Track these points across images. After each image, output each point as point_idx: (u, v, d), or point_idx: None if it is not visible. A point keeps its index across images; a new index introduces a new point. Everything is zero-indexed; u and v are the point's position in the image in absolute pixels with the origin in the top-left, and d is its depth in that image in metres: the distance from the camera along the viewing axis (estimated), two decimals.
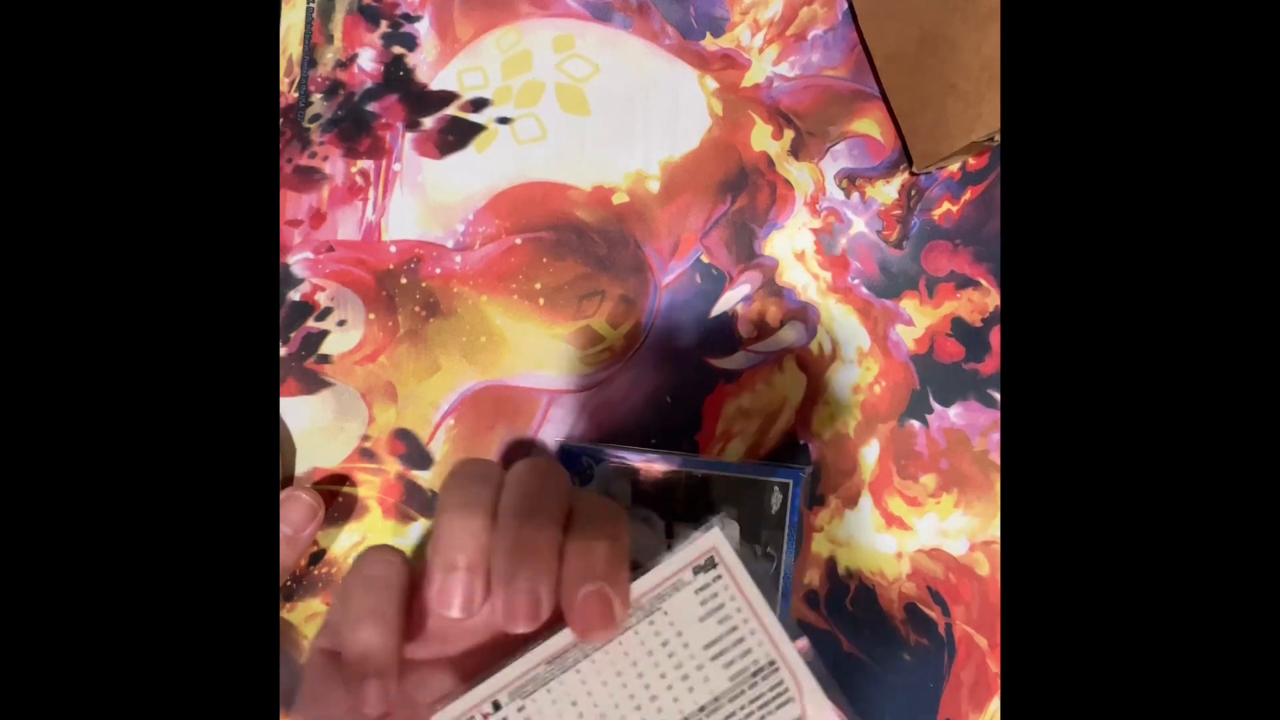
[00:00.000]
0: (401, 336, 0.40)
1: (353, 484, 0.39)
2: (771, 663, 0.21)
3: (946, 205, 0.41)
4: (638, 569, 0.21)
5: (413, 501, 0.39)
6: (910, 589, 0.40)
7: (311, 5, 0.41)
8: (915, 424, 0.40)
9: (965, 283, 0.40)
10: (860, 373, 0.40)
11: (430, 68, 0.40)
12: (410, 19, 0.41)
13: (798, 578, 0.39)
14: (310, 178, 0.40)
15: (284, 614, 0.39)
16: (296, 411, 0.39)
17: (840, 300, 0.40)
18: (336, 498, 0.39)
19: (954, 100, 0.37)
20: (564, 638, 0.20)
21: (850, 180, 0.41)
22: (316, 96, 0.40)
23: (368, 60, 0.40)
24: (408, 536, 0.39)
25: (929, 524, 0.40)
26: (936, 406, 0.40)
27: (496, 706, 0.20)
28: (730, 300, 0.40)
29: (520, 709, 0.20)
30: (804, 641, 0.22)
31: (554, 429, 0.39)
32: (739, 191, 0.41)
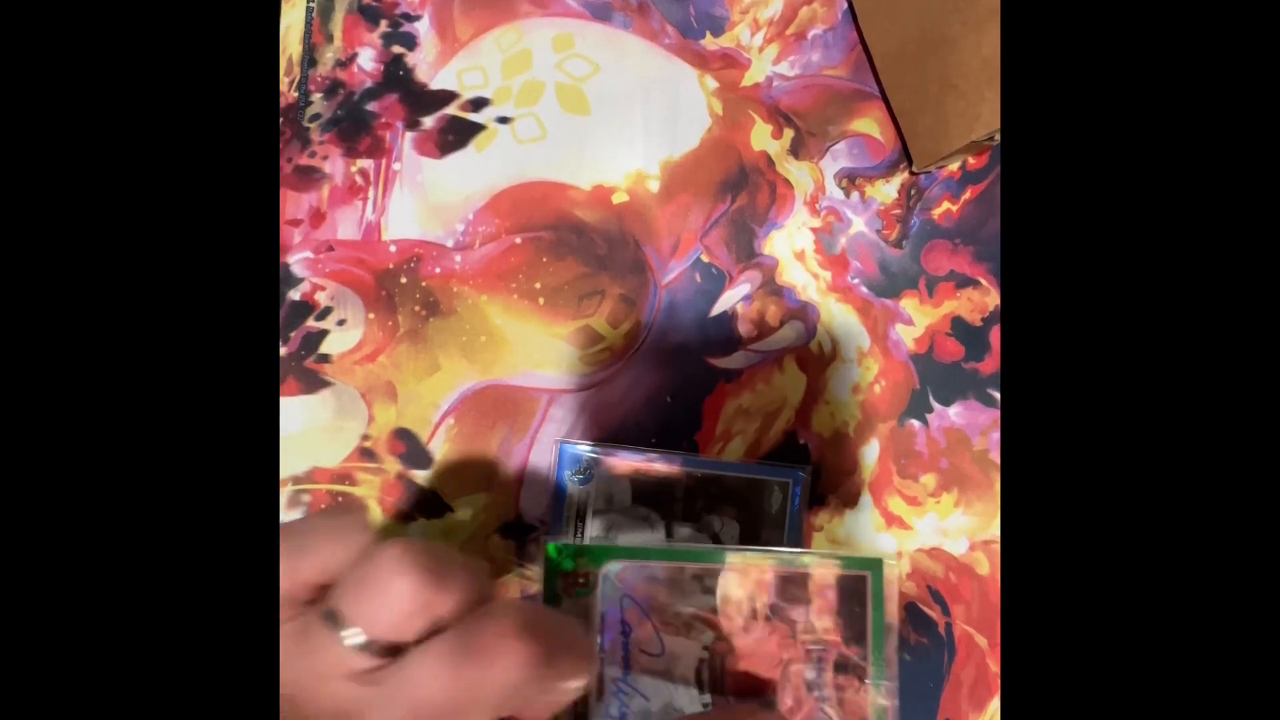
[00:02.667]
0: (401, 336, 0.40)
1: (353, 483, 0.39)
2: None
3: (946, 204, 0.41)
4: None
5: (413, 501, 0.39)
6: (910, 588, 0.40)
7: (311, 5, 0.41)
8: (915, 423, 0.40)
9: (965, 282, 0.40)
10: (860, 372, 0.40)
11: (430, 67, 0.40)
12: (410, 18, 0.41)
13: None
14: (310, 177, 0.40)
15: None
16: (296, 411, 0.39)
17: (840, 300, 0.40)
18: (337, 498, 0.39)
19: (954, 100, 0.37)
20: None
21: (850, 180, 0.41)
22: (316, 96, 0.40)
23: (367, 60, 0.40)
24: (407, 536, 0.39)
25: (929, 523, 0.40)
26: (936, 406, 0.40)
27: None
28: (730, 300, 0.40)
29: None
30: None
31: (554, 429, 0.39)
32: (739, 191, 0.40)
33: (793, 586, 0.30)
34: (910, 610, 0.40)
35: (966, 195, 0.41)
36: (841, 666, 0.29)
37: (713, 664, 0.29)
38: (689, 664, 0.29)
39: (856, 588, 0.30)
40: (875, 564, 0.30)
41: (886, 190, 0.41)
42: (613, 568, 0.29)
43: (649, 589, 0.29)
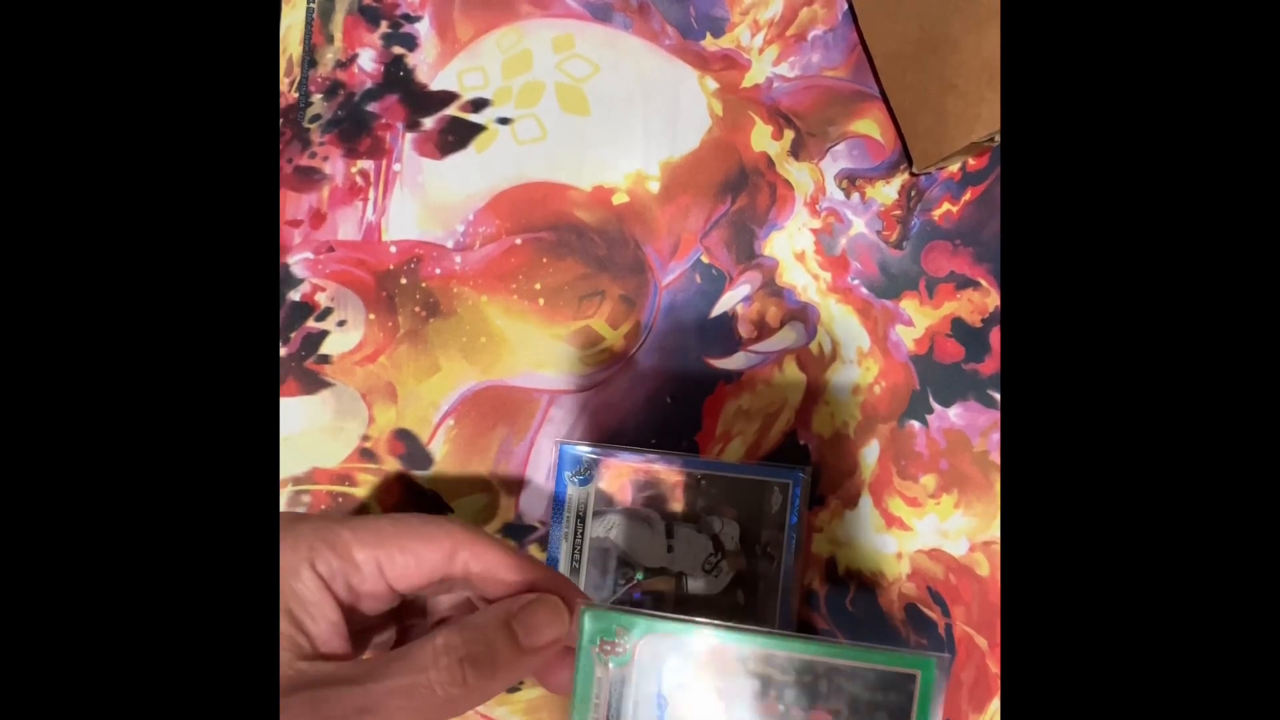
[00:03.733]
0: (401, 336, 0.40)
1: (353, 484, 0.39)
2: None
3: (946, 206, 0.41)
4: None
5: (413, 502, 0.39)
6: (910, 589, 0.39)
7: (311, 5, 0.41)
8: (915, 424, 0.40)
9: (965, 283, 0.40)
10: (860, 373, 0.40)
11: (430, 68, 0.40)
12: (410, 19, 0.41)
13: (798, 578, 0.39)
14: (310, 178, 0.40)
15: None
16: (296, 411, 0.39)
17: (840, 300, 0.40)
18: (337, 498, 0.39)
19: (954, 100, 0.37)
20: None
21: (850, 180, 0.41)
22: (316, 96, 0.40)
23: (368, 60, 0.40)
24: None
25: (929, 524, 0.40)
26: (936, 407, 0.40)
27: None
28: (730, 300, 0.40)
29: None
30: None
31: (554, 429, 0.39)
32: (739, 192, 0.41)
33: (838, 675, 0.29)
34: (910, 611, 0.40)
35: (966, 196, 0.41)
36: None
37: None
38: None
39: (903, 682, 0.29)
40: (926, 664, 0.29)
41: (887, 191, 0.41)
42: (652, 640, 0.28)
43: (688, 665, 0.29)
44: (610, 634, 0.28)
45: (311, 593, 0.25)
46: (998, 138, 0.37)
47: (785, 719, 0.28)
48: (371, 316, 0.40)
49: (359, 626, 0.27)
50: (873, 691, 0.29)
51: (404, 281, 0.40)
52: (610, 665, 0.28)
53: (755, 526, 0.39)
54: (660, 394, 0.40)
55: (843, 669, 0.29)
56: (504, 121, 0.40)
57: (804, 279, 0.40)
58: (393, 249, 0.40)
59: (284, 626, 0.25)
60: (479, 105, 0.40)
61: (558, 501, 0.39)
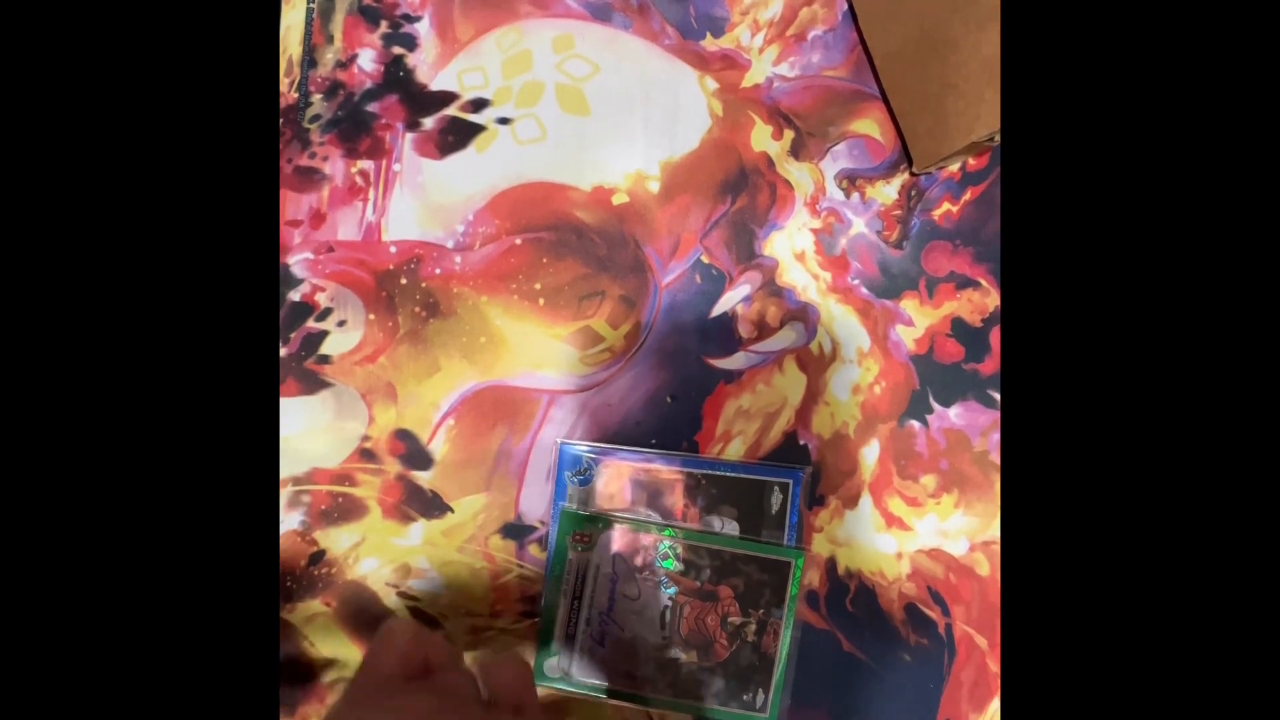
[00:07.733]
0: (401, 337, 0.40)
1: (353, 484, 0.39)
2: None
3: (946, 205, 0.41)
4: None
5: (412, 502, 0.39)
6: (910, 589, 0.40)
7: (311, 5, 0.41)
8: (915, 424, 0.40)
9: (965, 283, 0.40)
10: (860, 373, 0.40)
11: (430, 68, 0.40)
12: (410, 19, 0.41)
13: None
14: (310, 178, 0.40)
15: (284, 615, 0.39)
16: (296, 411, 0.39)
17: (840, 300, 0.40)
18: (337, 498, 0.39)
19: (954, 100, 0.37)
20: None
21: (850, 180, 0.41)
22: (316, 96, 0.40)
23: (368, 60, 0.40)
24: (407, 537, 0.39)
25: (929, 524, 0.40)
26: (936, 406, 0.40)
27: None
28: (730, 300, 0.40)
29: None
30: None
31: (554, 429, 0.39)
32: (739, 192, 0.41)
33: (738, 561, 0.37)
34: (910, 611, 0.40)
35: (966, 196, 0.41)
36: None
37: (674, 611, 0.39)
38: (656, 609, 0.39)
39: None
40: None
41: (887, 191, 0.41)
42: (611, 532, 0.39)
43: (636, 553, 0.38)
44: (583, 528, 0.39)
45: None
46: (998, 137, 0.37)
47: (701, 592, 0.38)
48: (371, 317, 0.40)
49: None
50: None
51: (404, 281, 0.40)
52: (579, 550, 0.39)
53: (755, 526, 0.39)
54: (660, 394, 0.40)
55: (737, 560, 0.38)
56: (504, 121, 0.40)
57: (804, 279, 0.40)
58: (393, 249, 0.40)
59: None
60: (479, 105, 0.40)
61: (558, 501, 0.39)
